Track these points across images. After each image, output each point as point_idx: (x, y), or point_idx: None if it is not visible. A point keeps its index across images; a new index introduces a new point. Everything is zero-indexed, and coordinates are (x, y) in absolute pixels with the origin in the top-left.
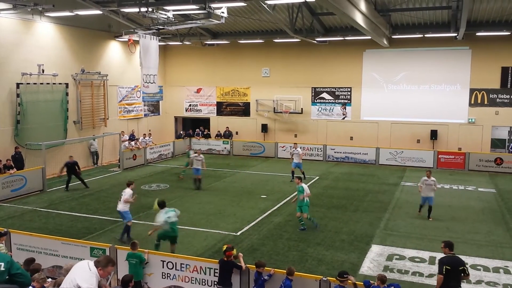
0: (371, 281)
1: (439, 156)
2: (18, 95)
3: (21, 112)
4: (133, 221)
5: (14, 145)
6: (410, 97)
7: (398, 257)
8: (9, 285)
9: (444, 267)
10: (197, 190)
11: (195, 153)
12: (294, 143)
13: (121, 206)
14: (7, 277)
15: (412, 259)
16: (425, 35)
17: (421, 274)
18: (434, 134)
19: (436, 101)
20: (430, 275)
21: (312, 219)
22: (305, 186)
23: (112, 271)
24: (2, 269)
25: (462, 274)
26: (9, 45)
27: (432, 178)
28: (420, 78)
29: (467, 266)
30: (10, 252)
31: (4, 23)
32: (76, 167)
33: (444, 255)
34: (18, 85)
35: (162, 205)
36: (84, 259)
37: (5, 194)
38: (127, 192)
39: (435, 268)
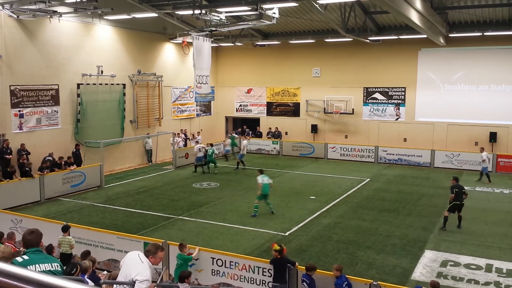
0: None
1: (499, 160)
2: (78, 95)
3: (81, 111)
4: (185, 218)
5: (74, 143)
6: (468, 97)
7: (452, 263)
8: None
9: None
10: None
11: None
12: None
13: None
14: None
15: (467, 266)
16: (484, 34)
17: (476, 282)
18: (493, 137)
19: (496, 102)
20: (487, 283)
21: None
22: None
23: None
24: (59, 269)
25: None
26: (71, 47)
27: None
28: (479, 78)
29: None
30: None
31: (65, 26)
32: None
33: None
34: (78, 85)
35: None
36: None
37: (65, 189)
38: None
39: (492, 276)
